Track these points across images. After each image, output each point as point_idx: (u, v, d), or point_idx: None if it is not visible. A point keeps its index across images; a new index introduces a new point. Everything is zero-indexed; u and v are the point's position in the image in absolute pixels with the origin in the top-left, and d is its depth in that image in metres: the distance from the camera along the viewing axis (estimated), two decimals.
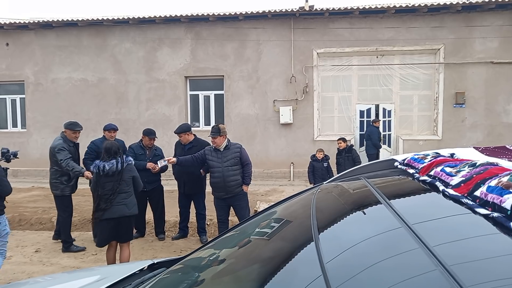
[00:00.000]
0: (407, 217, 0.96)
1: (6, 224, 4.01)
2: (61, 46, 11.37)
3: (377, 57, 10.63)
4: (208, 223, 6.35)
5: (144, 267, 1.84)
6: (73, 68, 11.35)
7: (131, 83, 11.17)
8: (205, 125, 11.27)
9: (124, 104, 11.24)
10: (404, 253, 0.83)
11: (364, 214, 1.19)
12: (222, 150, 5.01)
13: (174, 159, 5.25)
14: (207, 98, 11.27)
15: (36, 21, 11.10)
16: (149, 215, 6.09)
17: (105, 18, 10.92)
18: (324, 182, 1.94)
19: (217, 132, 4.96)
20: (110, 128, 5.87)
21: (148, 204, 6.00)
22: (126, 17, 10.75)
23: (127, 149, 5.94)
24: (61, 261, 5.05)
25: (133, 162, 4.59)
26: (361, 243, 0.95)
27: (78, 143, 5.68)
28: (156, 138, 6.04)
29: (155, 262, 1.86)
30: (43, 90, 11.52)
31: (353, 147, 8.13)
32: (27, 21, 11.18)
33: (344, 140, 7.75)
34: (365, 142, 10.35)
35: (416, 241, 0.83)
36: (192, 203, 5.94)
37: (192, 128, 11.71)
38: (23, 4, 35.32)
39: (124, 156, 4.41)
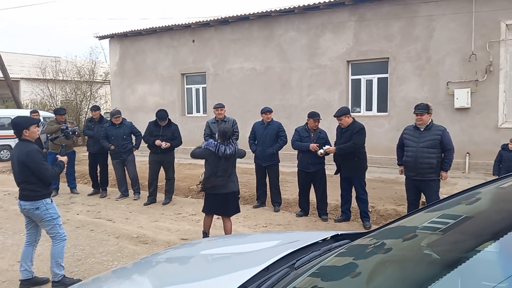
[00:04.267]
0: None
1: (54, 207, 4.00)
2: (235, 39, 12.65)
3: None
4: (370, 210, 6.22)
5: (327, 237, 1.95)
6: (245, 58, 12.51)
7: (294, 70, 11.66)
8: (366, 110, 10.94)
9: (288, 90, 11.82)
10: None
11: None
12: (422, 130, 4.91)
13: (333, 148, 5.79)
14: (369, 82, 10.88)
15: (215, 19, 12.62)
16: (312, 196, 6.35)
17: (272, 9, 11.62)
18: None
19: (425, 109, 4.88)
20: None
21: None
22: (291, 7, 11.20)
23: (294, 132, 6.35)
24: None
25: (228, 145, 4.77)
26: None
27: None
28: (320, 120, 6.23)
29: (339, 233, 1.94)
30: (220, 80, 13.08)
31: None
32: (208, 19, 12.82)
33: None
34: None
35: None
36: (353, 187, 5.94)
37: (353, 114, 11.53)
38: None
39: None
